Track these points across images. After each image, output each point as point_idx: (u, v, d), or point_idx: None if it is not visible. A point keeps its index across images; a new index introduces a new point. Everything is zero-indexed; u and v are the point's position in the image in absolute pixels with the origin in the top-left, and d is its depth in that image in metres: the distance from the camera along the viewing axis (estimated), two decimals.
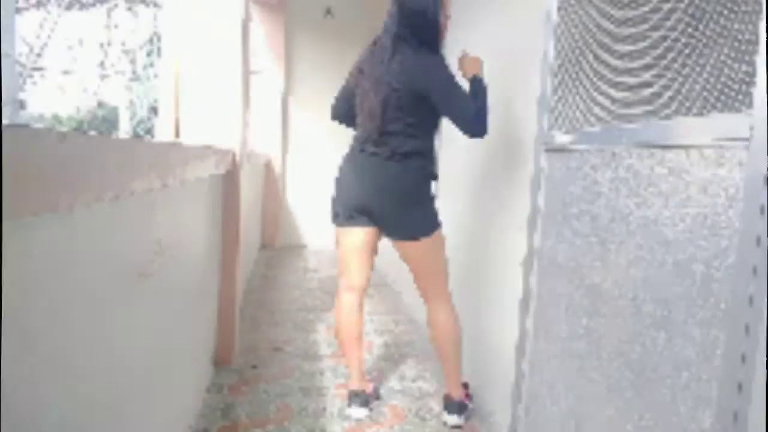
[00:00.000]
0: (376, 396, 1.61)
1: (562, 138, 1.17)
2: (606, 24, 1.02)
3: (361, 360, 1.55)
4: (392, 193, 1.40)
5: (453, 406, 1.49)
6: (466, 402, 1.52)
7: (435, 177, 1.47)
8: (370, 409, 1.53)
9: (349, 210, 1.46)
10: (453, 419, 1.47)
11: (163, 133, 1.76)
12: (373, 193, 1.41)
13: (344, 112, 1.56)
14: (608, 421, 0.95)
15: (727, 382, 0.70)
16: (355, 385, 1.53)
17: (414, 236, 1.42)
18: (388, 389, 1.69)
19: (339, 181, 1.50)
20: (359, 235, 1.48)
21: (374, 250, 1.52)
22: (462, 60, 1.45)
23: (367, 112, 1.40)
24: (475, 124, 1.32)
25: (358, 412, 1.50)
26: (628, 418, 0.90)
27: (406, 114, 1.39)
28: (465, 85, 1.41)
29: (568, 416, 1.09)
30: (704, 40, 0.77)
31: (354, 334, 1.52)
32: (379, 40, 1.44)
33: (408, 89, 1.37)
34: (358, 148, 1.45)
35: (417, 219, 1.43)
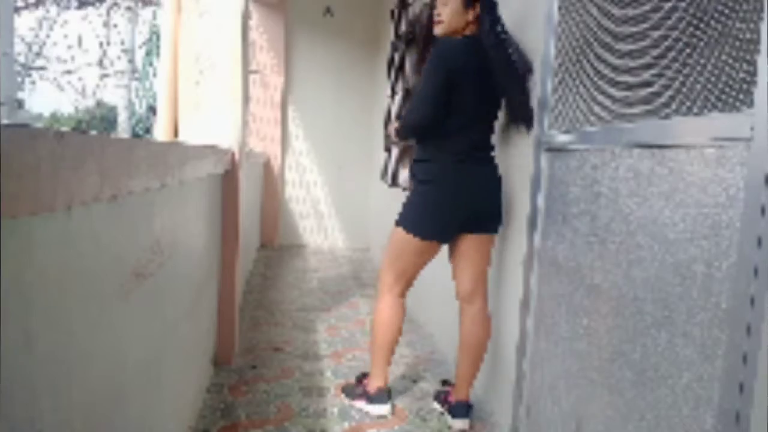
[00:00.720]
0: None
1: (562, 138, 1.17)
2: (607, 23, 1.01)
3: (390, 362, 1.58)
4: (497, 192, 1.45)
5: (462, 409, 1.47)
6: (471, 402, 1.51)
7: None
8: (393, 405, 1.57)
9: (459, 222, 1.42)
10: (461, 423, 1.46)
11: (161, 132, 1.76)
12: (488, 196, 1.43)
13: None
14: (609, 421, 0.95)
15: (729, 383, 0.69)
16: (381, 382, 1.53)
17: (498, 229, 1.48)
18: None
19: (445, 195, 1.39)
20: (440, 248, 1.48)
21: None
22: None
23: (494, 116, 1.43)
24: None
25: (387, 408, 1.51)
26: (629, 419, 0.90)
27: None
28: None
29: (569, 416, 1.08)
30: (705, 40, 0.77)
31: (396, 341, 1.53)
32: (481, 36, 1.35)
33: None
34: (468, 155, 1.39)
35: (501, 213, 1.48)
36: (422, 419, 1.53)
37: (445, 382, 1.69)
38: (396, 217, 1.49)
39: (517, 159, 1.49)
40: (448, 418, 1.49)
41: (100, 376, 0.67)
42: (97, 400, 0.66)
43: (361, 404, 1.54)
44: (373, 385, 1.53)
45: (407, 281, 1.50)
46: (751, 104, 0.69)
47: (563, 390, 1.12)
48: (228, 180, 1.75)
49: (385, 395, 1.51)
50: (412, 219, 1.43)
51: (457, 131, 1.38)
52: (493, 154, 1.47)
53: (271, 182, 4.17)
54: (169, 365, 1.07)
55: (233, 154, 1.75)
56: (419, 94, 1.38)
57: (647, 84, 0.89)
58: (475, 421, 1.52)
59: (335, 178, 4.28)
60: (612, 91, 0.99)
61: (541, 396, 1.22)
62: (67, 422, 0.58)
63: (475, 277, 1.46)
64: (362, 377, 1.64)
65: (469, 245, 1.45)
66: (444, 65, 1.34)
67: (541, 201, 1.27)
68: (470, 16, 1.37)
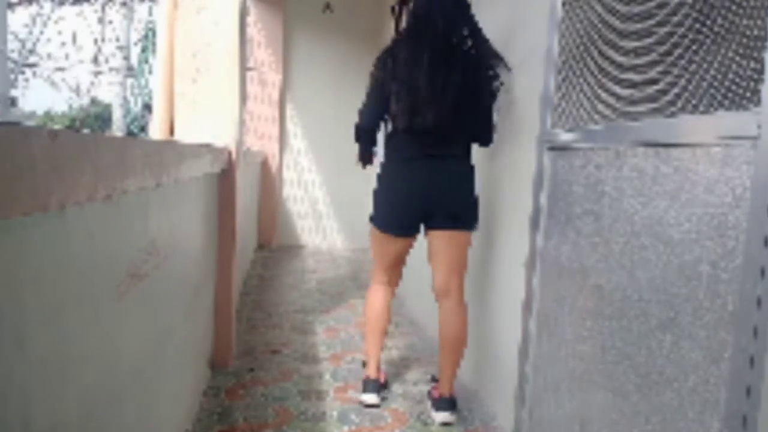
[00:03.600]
0: (386, 387, 1.67)
1: (565, 136, 1.16)
2: (611, 19, 1.00)
3: (381, 351, 1.62)
4: (461, 188, 1.49)
5: (444, 403, 1.50)
6: (455, 397, 1.54)
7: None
8: (383, 398, 1.60)
9: (411, 218, 1.50)
10: (443, 416, 1.49)
11: (157, 130, 1.74)
12: (444, 190, 1.47)
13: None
14: (614, 425, 0.94)
15: (736, 386, 0.69)
16: (372, 374, 1.59)
17: (469, 226, 1.50)
18: (388, 393, 1.67)
19: (394, 191, 1.50)
20: (410, 242, 1.56)
21: None
22: None
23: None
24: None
25: (372, 397, 1.56)
26: (634, 423, 0.89)
27: None
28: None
29: (573, 420, 1.07)
30: (711, 36, 0.76)
31: (383, 327, 1.60)
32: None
33: None
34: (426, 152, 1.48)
35: (472, 210, 1.51)
36: (423, 423, 1.51)
37: (434, 378, 1.71)
38: None
39: (518, 158, 1.48)
40: (432, 411, 1.51)
41: (94, 379, 0.66)
42: (91, 403, 0.65)
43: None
44: (365, 373, 1.61)
45: (385, 270, 1.59)
46: (758, 102, 0.68)
47: (566, 393, 1.11)
48: (225, 179, 1.73)
49: (370, 385, 1.57)
50: (373, 210, 1.57)
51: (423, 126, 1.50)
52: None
53: (268, 181, 4.15)
54: (165, 368, 1.06)
55: (230, 153, 1.73)
56: None
57: (652, 82, 0.88)
58: (477, 424, 1.52)
59: (334, 178, 4.26)
60: (616, 88, 0.98)
61: (543, 399, 1.21)
62: (61, 425, 0.57)
63: (448, 271, 1.51)
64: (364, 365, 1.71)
65: (440, 242, 1.50)
66: None
67: (543, 200, 1.26)
68: None
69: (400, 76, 1.42)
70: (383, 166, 1.55)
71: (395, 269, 1.60)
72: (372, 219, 1.56)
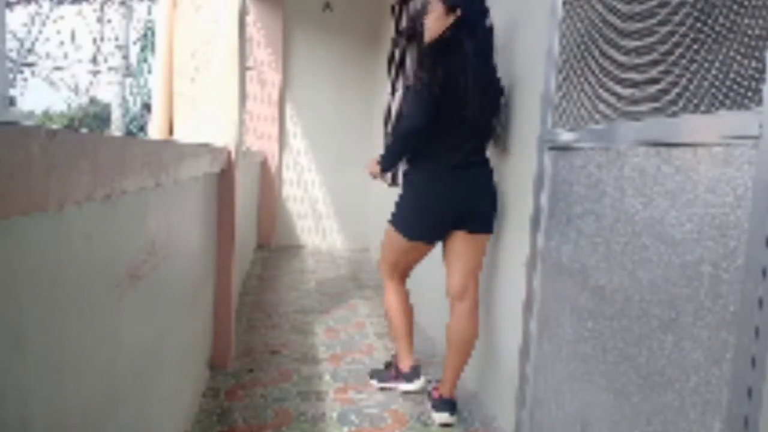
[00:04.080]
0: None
1: (566, 136, 1.16)
2: (612, 19, 1.00)
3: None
4: (492, 192, 1.52)
5: (445, 404, 1.50)
6: (455, 399, 1.54)
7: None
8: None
9: (447, 226, 1.49)
10: (442, 417, 1.49)
11: (156, 130, 1.73)
12: (480, 196, 1.49)
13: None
14: (615, 426, 0.94)
15: (737, 387, 0.68)
16: (411, 361, 1.63)
17: (491, 228, 1.52)
18: (388, 394, 1.67)
19: (434, 201, 1.48)
20: (434, 245, 1.56)
21: None
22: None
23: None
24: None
25: (421, 382, 1.60)
26: (635, 424, 0.89)
27: None
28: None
29: (574, 421, 1.07)
30: (713, 36, 0.76)
31: (410, 317, 1.66)
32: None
33: None
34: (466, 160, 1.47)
35: (494, 213, 1.53)
36: (423, 424, 1.51)
37: (429, 382, 1.73)
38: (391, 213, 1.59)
39: (518, 157, 1.48)
40: (432, 412, 1.51)
41: (93, 380, 0.66)
42: (90, 404, 0.65)
43: (396, 385, 1.64)
44: (405, 364, 1.64)
45: (401, 272, 1.63)
46: (759, 102, 0.68)
47: (567, 394, 1.10)
48: (224, 179, 1.72)
49: (418, 371, 1.62)
50: (401, 219, 1.53)
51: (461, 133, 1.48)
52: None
53: (268, 181, 4.14)
54: (164, 369, 1.06)
55: (229, 153, 1.72)
56: None
57: (654, 81, 0.88)
58: (477, 425, 1.51)
59: (334, 177, 4.25)
60: (617, 88, 0.98)
61: (544, 400, 1.21)
62: (59, 426, 0.56)
63: (466, 274, 1.51)
64: (390, 363, 1.72)
65: (462, 243, 1.50)
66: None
67: (544, 201, 1.26)
68: (450, 20, 1.45)
69: (482, 76, 1.42)
70: (419, 174, 1.49)
71: (411, 270, 1.65)
72: (398, 226, 1.52)
